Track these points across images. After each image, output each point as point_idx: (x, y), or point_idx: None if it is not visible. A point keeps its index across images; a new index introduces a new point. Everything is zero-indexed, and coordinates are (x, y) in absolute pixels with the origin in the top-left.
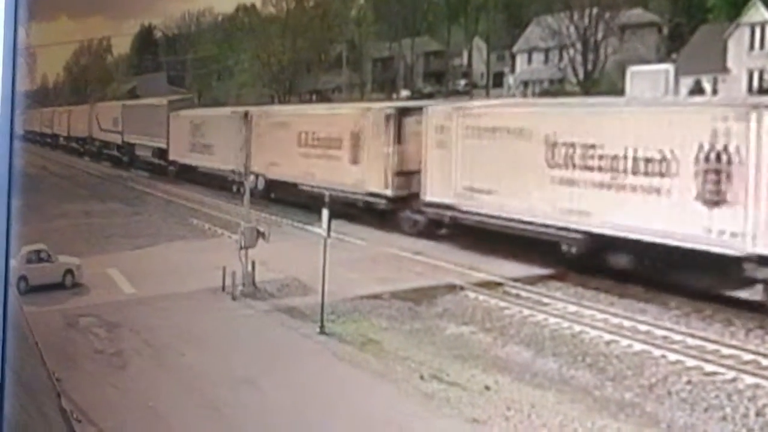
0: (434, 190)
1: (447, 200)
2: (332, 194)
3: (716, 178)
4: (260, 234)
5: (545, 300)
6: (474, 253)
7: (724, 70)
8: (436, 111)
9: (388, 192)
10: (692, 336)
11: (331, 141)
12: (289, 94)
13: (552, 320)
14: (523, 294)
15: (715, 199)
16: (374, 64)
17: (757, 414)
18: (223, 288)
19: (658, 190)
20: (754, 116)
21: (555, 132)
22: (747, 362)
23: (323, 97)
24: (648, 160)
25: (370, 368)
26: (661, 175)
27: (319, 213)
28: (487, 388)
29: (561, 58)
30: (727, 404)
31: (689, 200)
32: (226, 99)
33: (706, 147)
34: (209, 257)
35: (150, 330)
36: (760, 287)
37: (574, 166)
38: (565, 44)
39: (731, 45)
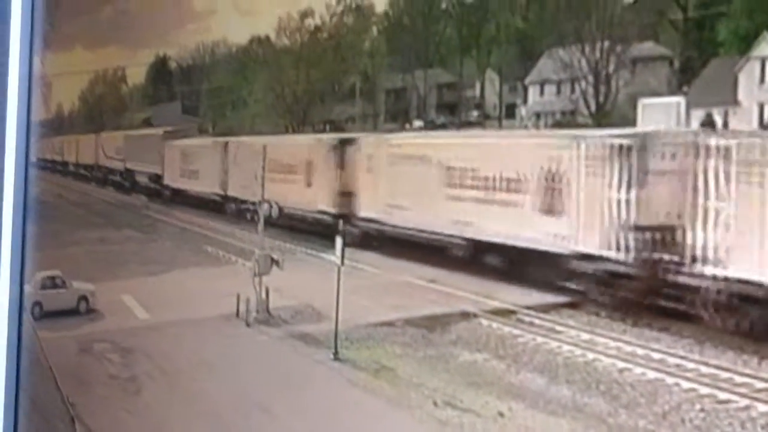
0: (365, 207)
1: (374, 215)
2: (290, 212)
3: (552, 193)
4: (274, 261)
5: (558, 328)
6: (396, 258)
7: (735, 103)
8: (368, 141)
9: (333, 210)
10: (706, 364)
11: (292, 167)
12: (302, 125)
13: (565, 348)
14: (536, 322)
15: (552, 209)
16: (387, 95)
17: None
18: (237, 314)
19: (516, 204)
20: (575, 145)
21: (447, 158)
22: (760, 390)
23: (337, 127)
24: (509, 180)
25: (384, 394)
26: (518, 192)
27: (330, 240)
28: (501, 414)
29: (573, 90)
30: None
31: (536, 211)
32: (240, 129)
33: (546, 169)
34: (223, 284)
35: (163, 356)
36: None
37: (461, 185)
38: (576, 77)
39: (742, 78)
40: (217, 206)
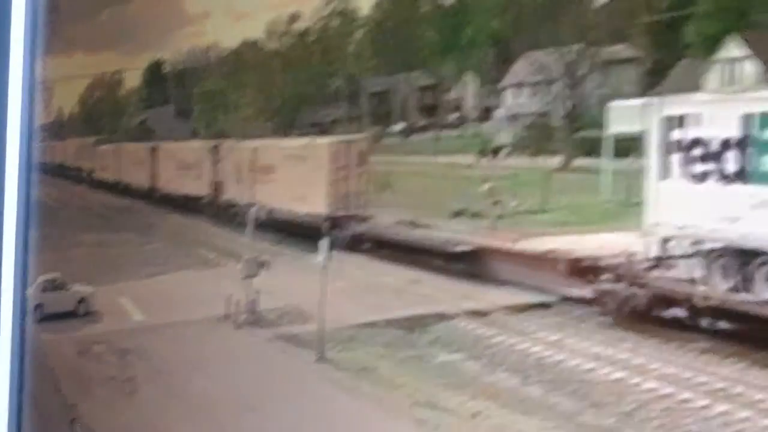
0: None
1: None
2: (187, 195)
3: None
4: (262, 263)
5: (530, 329)
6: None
7: None
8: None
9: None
10: (668, 364)
11: (189, 164)
12: (291, 127)
13: (536, 348)
14: (509, 323)
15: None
16: (371, 98)
17: None
18: (228, 316)
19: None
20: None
21: (251, 155)
22: (717, 390)
23: (323, 129)
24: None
25: (366, 395)
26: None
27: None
28: (476, 414)
29: (548, 93)
30: (700, 430)
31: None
32: (231, 132)
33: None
34: (215, 286)
35: (159, 357)
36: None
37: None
38: (551, 79)
39: (710, 80)
40: (117, 190)
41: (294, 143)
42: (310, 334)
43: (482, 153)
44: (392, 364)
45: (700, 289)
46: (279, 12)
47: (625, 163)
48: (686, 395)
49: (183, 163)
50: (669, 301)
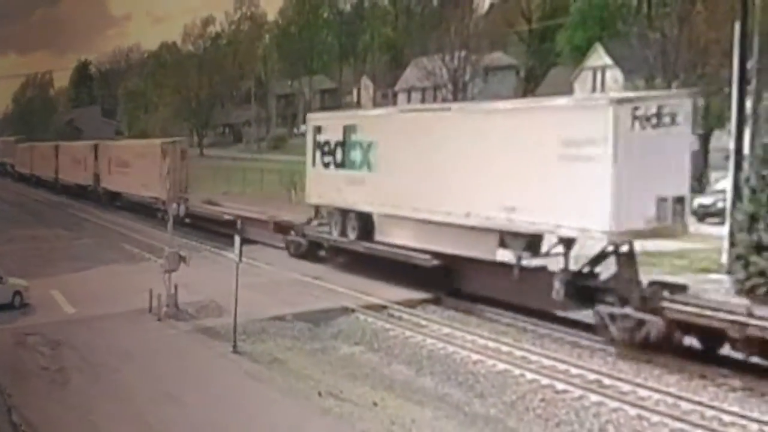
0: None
1: (107, 185)
2: (76, 183)
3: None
4: (182, 258)
5: (423, 322)
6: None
7: None
8: (102, 145)
9: (91, 182)
10: (547, 357)
11: (78, 159)
12: (206, 127)
13: (429, 341)
14: (404, 317)
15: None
16: (278, 100)
17: (600, 430)
18: (150, 309)
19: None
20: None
21: (117, 153)
22: (591, 381)
23: (235, 130)
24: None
25: (276, 385)
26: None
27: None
28: (375, 404)
29: (435, 98)
30: (575, 420)
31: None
32: (152, 131)
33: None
34: (138, 280)
35: (88, 348)
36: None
37: (120, 165)
38: (438, 84)
39: (577, 86)
40: (31, 182)
41: (141, 143)
42: (225, 327)
43: None
44: (300, 355)
45: (330, 236)
46: (195, 15)
47: None
48: (562, 386)
49: (75, 159)
50: (319, 245)
